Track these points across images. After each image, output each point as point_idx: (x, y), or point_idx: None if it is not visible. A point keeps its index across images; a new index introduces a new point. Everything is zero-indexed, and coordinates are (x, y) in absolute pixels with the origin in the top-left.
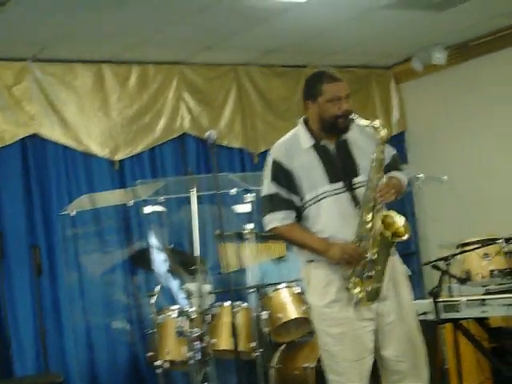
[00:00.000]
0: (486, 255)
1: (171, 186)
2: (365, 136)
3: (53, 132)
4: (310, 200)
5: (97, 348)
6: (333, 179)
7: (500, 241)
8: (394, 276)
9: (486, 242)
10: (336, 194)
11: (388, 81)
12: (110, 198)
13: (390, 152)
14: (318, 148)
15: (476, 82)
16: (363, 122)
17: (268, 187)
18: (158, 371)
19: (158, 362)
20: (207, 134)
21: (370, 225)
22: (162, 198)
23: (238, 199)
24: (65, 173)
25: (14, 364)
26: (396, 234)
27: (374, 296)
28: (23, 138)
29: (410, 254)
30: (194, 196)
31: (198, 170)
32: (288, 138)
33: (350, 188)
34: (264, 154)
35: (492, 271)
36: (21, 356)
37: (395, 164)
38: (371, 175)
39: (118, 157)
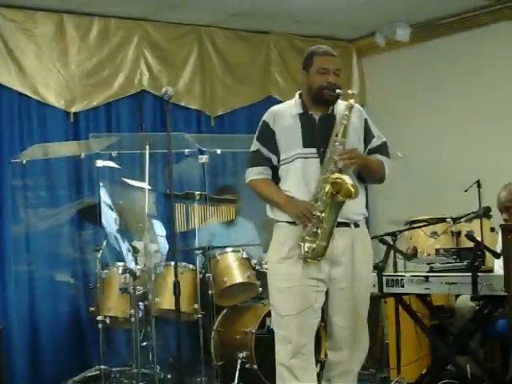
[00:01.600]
0: (433, 234)
1: (125, 141)
2: (354, 115)
3: (9, 78)
4: (283, 160)
5: (39, 300)
6: (306, 144)
7: (448, 220)
8: (354, 247)
9: (434, 221)
10: (306, 158)
11: (350, 54)
12: (63, 149)
13: (380, 138)
14: (304, 116)
15: (437, 62)
16: (342, 102)
17: (253, 144)
18: (100, 326)
19: (100, 317)
20: (163, 90)
21: (325, 185)
22: (115, 153)
23: (192, 159)
24: (18, 121)
25: None
26: (345, 194)
27: (318, 254)
28: None
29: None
30: (146, 153)
31: (154, 129)
32: (282, 105)
33: (321, 156)
34: (221, 118)
35: (438, 250)
36: None
37: (381, 149)
38: (334, 139)
39: (74, 109)
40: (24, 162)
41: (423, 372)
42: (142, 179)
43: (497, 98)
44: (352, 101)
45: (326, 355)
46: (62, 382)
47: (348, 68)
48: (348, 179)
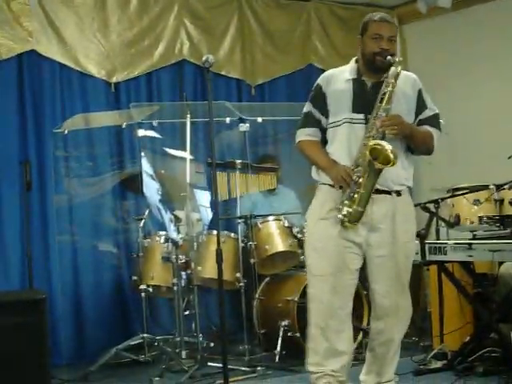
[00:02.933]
0: (476, 201)
1: (166, 111)
2: (407, 84)
3: (50, 50)
4: (331, 123)
5: (82, 269)
6: (355, 109)
7: (491, 187)
8: (395, 215)
9: (476, 188)
10: (354, 123)
11: None
12: (104, 119)
13: (433, 109)
14: (357, 81)
15: (479, 30)
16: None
17: (306, 106)
18: (143, 295)
19: (143, 286)
20: (204, 58)
21: (365, 151)
22: (156, 122)
23: (233, 128)
24: (60, 91)
25: None
26: (383, 161)
27: (355, 218)
28: (20, 54)
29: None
30: (187, 122)
31: (194, 98)
32: (337, 69)
33: (368, 122)
34: (262, 86)
35: (481, 217)
36: (6, 272)
37: (432, 121)
38: (379, 106)
39: (115, 79)
40: (66, 132)
41: (466, 340)
42: (184, 148)
43: None
44: (399, 68)
45: (368, 324)
46: (106, 351)
47: None
48: (387, 145)
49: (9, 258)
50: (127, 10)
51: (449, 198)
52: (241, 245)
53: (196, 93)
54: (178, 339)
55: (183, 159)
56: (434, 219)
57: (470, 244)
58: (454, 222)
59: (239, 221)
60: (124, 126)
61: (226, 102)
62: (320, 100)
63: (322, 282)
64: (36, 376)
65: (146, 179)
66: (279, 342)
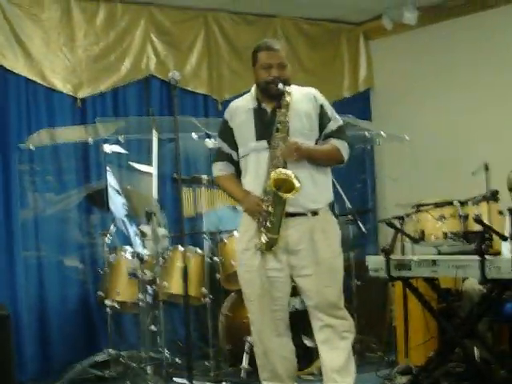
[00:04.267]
0: (441, 217)
1: (132, 126)
2: (306, 101)
3: (16, 64)
4: (241, 155)
5: (48, 285)
6: (259, 137)
7: (455, 203)
8: (314, 234)
9: (441, 204)
10: (259, 151)
11: (357, 37)
12: (70, 134)
13: (337, 121)
14: (257, 110)
15: (444, 45)
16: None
17: (217, 140)
18: (108, 311)
19: (108, 302)
20: (170, 74)
21: (269, 182)
22: (122, 137)
23: (199, 144)
24: (26, 106)
25: None
26: (289, 188)
27: (270, 246)
28: None
29: (366, 211)
30: (154, 138)
31: (161, 113)
32: (240, 100)
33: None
34: (228, 102)
35: (445, 233)
36: None
37: (337, 133)
38: (275, 135)
39: (81, 94)
40: (31, 146)
41: (431, 355)
42: (150, 163)
43: (506, 81)
44: (288, 98)
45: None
46: (71, 367)
47: (355, 51)
48: (290, 173)
49: None
50: (93, 24)
51: (413, 213)
52: (207, 260)
53: (162, 108)
54: (144, 354)
55: (149, 174)
56: (399, 235)
57: (434, 260)
58: (419, 238)
59: (205, 236)
60: (90, 142)
61: (193, 118)
62: (228, 134)
63: (252, 306)
64: None
65: (112, 194)
66: (244, 357)
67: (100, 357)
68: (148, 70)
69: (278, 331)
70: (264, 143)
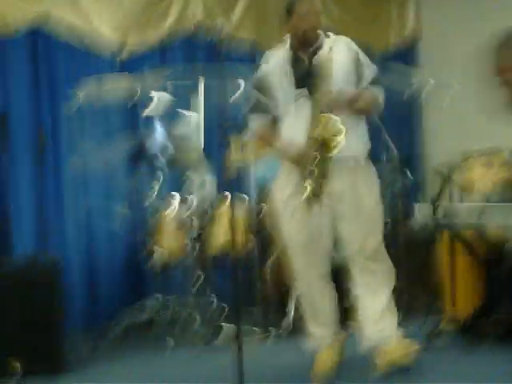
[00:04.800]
0: (489, 165)
1: (179, 73)
2: (342, 49)
3: (64, 12)
4: (279, 104)
5: (96, 233)
6: (298, 85)
7: (504, 151)
8: (354, 181)
9: (490, 152)
10: (298, 99)
11: None
12: (118, 82)
13: (372, 69)
14: (294, 58)
15: None
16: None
17: (253, 92)
18: (156, 258)
19: (156, 250)
20: (217, 21)
21: (315, 128)
22: (169, 84)
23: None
24: (73, 56)
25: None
26: (335, 133)
27: (315, 193)
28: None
29: (413, 158)
30: (201, 84)
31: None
32: (275, 49)
33: (312, 96)
34: None
35: (494, 181)
36: (20, 233)
37: (375, 81)
38: (316, 83)
39: (129, 43)
40: (80, 95)
41: (477, 307)
42: (197, 110)
43: None
44: (326, 46)
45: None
46: (120, 312)
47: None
48: (334, 118)
49: (23, 223)
50: None
51: (462, 161)
52: (254, 208)
53: (209, 57)
54: (192, 301)
55: (197, 121)
56: (447, 183)
57: (482, 208)
58: (467, 186)
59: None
60: (138, 89)
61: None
62: (265, 85)
63: (297, 254)
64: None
65: (160, 142)
66: (292, 304)
67: (149, 302)
68: (195, 18)
69: (322, 277)
70: (303, 91)
